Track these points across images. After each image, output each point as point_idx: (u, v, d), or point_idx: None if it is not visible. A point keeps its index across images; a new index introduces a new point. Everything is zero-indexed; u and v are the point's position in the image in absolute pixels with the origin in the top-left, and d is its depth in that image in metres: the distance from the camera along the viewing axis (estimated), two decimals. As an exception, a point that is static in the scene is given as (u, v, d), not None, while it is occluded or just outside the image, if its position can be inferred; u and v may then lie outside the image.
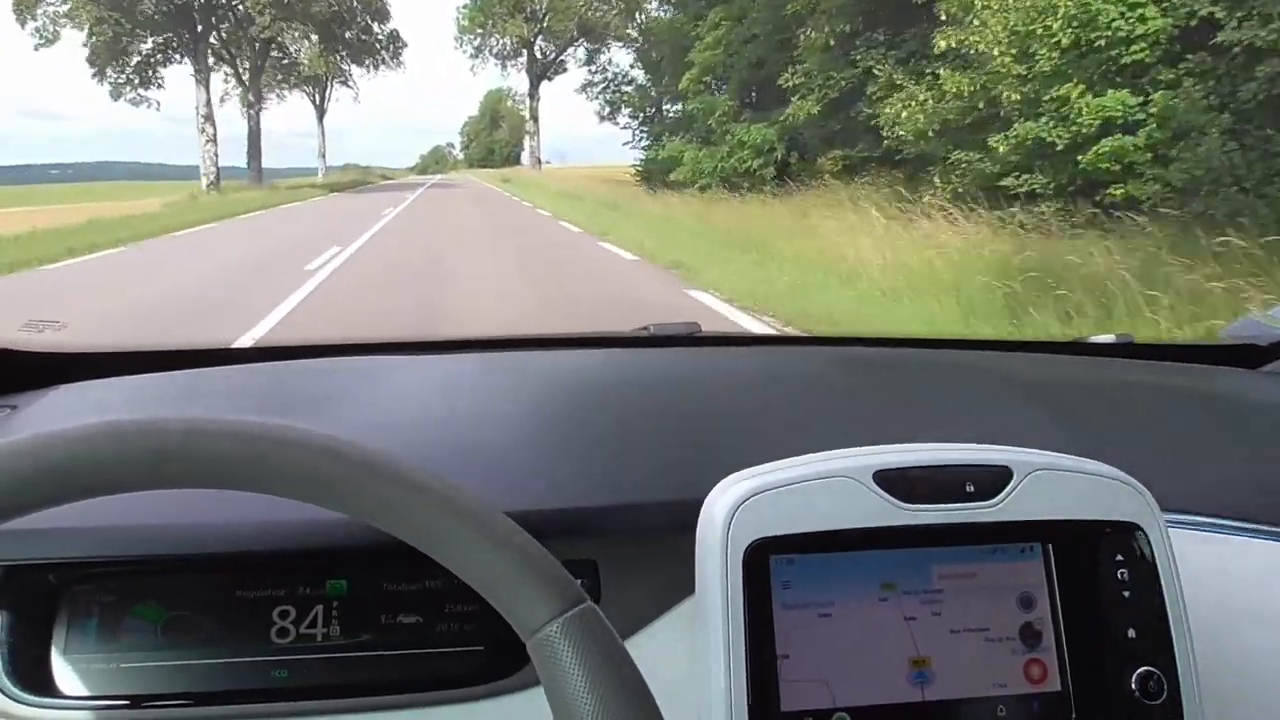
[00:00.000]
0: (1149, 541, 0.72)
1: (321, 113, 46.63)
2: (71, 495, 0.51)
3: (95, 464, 0.50)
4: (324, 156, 47.88)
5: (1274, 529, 0.87)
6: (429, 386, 1.15)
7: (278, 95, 42.59)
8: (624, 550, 0.79)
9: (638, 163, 27.02)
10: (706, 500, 0.71)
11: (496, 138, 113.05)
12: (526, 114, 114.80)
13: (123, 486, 0.51)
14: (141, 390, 1.08)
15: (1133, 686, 0.70)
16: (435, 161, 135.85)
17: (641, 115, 28.82)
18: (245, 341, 2.89)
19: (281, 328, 6.87)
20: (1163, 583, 0.71)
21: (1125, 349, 1.38)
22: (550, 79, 47.39)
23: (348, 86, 47.45)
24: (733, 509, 0.68)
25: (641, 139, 27.35)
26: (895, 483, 0.70)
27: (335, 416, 1.00)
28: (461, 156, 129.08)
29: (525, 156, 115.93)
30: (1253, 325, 1.40)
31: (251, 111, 31.84)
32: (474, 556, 0.53)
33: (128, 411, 0.55)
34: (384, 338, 1.34)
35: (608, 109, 33.57)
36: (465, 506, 0.54)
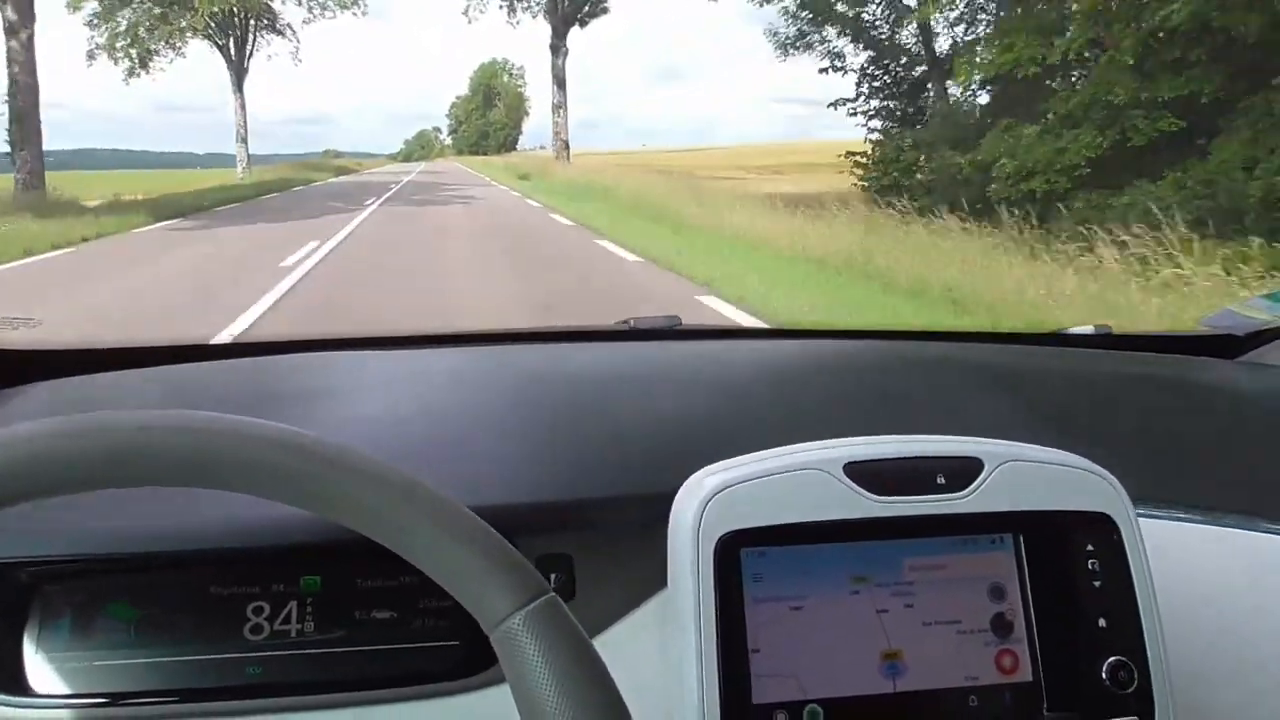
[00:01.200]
0: (1119, 532, 0.73)
1: (240, 72, 32.66)
2: (18, 497, 0.50)
3: (44, 463, 0.50)
4: (245, 140, 32.22)
5: (1246, 519, 0.88)
6: (407, 382, 1.16)
7: (170, 47, 28.20)
8: (599, 544, 0.80)
9: (864, 157, 16.47)
10: (679, 493, 0.72)
11: (491, 119, 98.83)
12: (527, 88, 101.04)
13: (75, 486, 0.50)
14: (118, 387, 1.09)
15: (1104, 676, 0.71)
16: (421, 147, 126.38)
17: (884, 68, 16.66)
18: (226, 338, 2.12)
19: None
20: (1133, 573, 0.72)
21: (1103, 340, 1.42)
22: (584, 23, 33.13)
23: (279, 34, 33.15)
24: (704, 502, 0.69)
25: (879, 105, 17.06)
26: (866, 475, 0.71)
27: (311, 412, 1.00)
28: (450, 142, 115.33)
29: (525, 140, 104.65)
30: (1230, 316, 1.43)
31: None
32: (436, 550, 0.53)
33: (99, 408, 0.55)
34: (363, 333, 1.40)
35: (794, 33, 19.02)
36: (426, 499, 0.54)
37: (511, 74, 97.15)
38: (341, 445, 0.54)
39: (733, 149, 64.10)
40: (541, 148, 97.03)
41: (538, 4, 34.01)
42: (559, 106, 34.57)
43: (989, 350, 1.39)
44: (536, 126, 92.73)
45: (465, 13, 35.66)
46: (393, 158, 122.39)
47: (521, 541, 0.68)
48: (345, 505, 0.53)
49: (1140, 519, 0.74)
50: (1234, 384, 1.24)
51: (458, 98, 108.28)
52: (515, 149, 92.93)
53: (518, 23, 39.23)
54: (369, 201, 19.88)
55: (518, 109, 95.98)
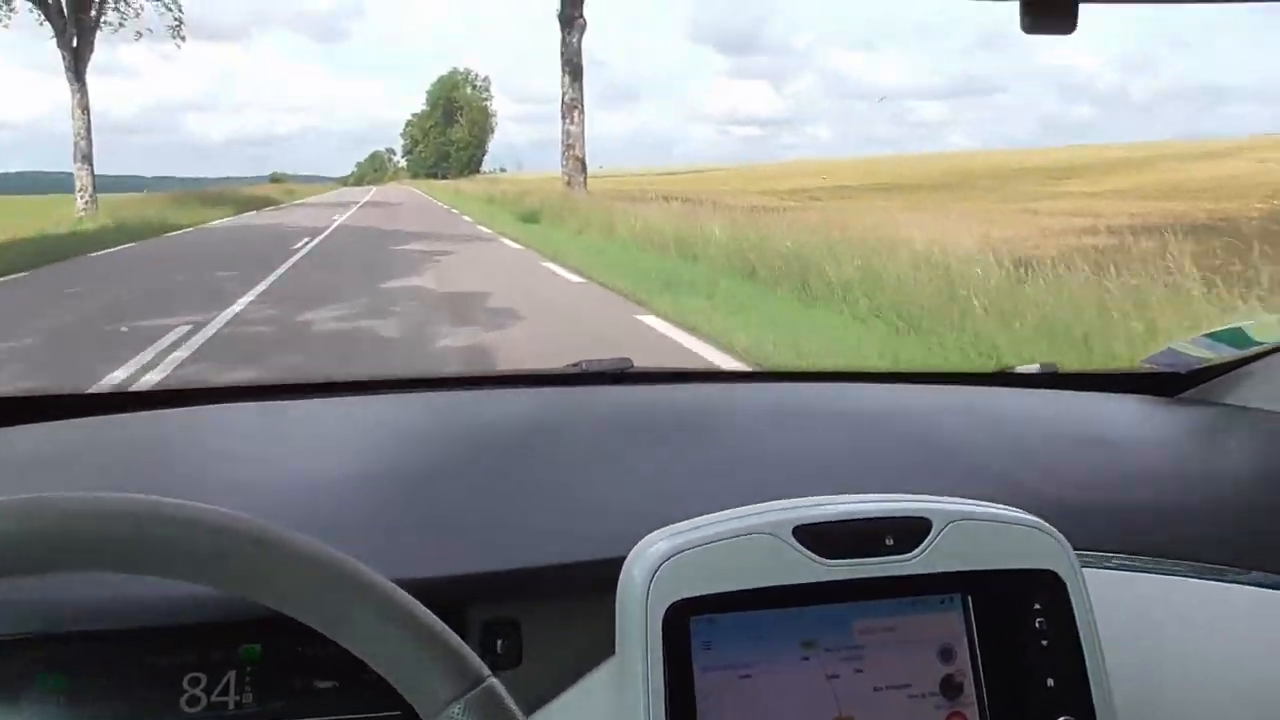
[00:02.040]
0: (1066, 590, 0.74)
1: (78, 65, 20.91)
2: None
3: None
4: (89, 160, 21.84)
5: (1192, 564, 0.90)
6: (334, 436, 1.12)
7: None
8: (547, 609, 0.79)
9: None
10: (626, 560, 0.71)
11: (452, 137, 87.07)
12: (493, 101, 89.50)
13: None
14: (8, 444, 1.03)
15: None
16: (374, 170, 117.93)
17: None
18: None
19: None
20: (1080, 630, 0.73)
21: (1049, 379, 1.43)
22: None
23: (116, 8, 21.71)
24: (652, 570, 0.69)
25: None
26: (814, 538, 0.71)
27: (223, 474, 0.96)
28: (404, 164, 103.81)
29: (488, 160, 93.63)
30: (1172, 354, 1.44)
31: None
32: (370, 636, 0.52)
33: None
34: (287, 379, 1.30)
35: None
36: (356, 581, 0.52)
37: (475, 86, 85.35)
38: (261, 523, 0.52)
39: (707, 170, 59.96)
40: (502, 170, 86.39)
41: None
42: (573, 106, 23.00)
43: (937, 392, 1.42)
44: (500, 145, 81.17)
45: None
46: (343, 181, 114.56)
47: (466, 609, 0.73)
48: (270, 589, 0.51)
49: (1086, 569, 0.75)
50: (1177, 423, 1.28)
51: (413, 115, 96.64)
52: (479, 170, 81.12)
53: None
54: (235, 288, 9.65)
55: (482, 125, 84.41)
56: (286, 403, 1.21)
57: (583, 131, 24.13)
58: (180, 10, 25.22)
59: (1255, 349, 1.32)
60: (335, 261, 12.57)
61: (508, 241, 15.17)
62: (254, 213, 27.62)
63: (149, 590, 0.69)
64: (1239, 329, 1.47)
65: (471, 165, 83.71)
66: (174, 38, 25.38)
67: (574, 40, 23.26)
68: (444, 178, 77.29)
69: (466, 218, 23.06)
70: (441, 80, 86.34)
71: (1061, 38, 0.65)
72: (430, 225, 19.74)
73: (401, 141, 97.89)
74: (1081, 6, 0.62)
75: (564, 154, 24.33)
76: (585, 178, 24.06)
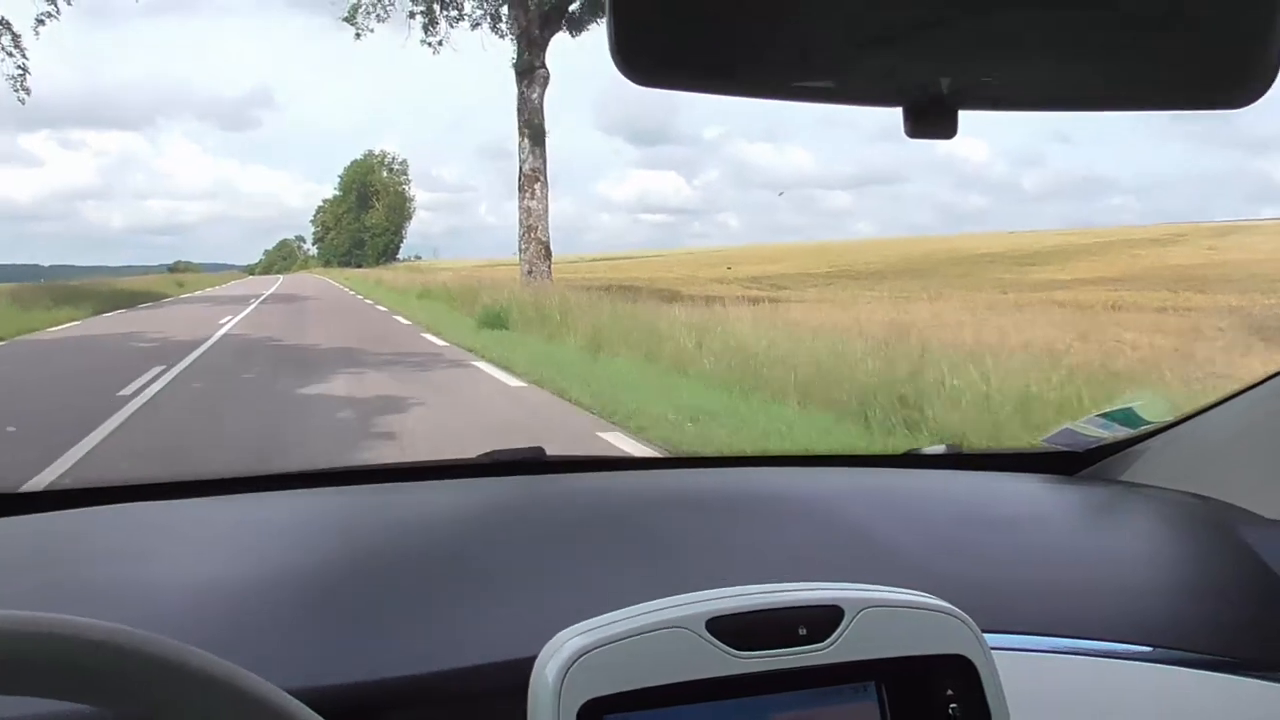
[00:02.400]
0: (977, 674, 0.75)
1: None
2: None
3: None
4: None
5: (1095, 642, 0.92)
6: (230, 537, 1.09)
7: None
8: (459, 714, 0.80)
9: None
10: (538, 659, 0.71)
11: (367, 223, 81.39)
12: (410, 185, 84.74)
13: None
14: None
15: None
16: (283, 258, 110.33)
17: None
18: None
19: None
20: (992, 714, 0.74)
21: (955, 459, 1.49)
22: (577, 25, 16.64)
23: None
24: (564, 668, 0.69)
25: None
26: (728, 631, 0.71)
27: (110, 579, 0.94)
28: (315, 252, 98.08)
29: (404, 247, 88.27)
30: (1069, 434, 1.48)
31: None
32: None
33: None
34: (178, 476, 1.30)
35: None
36: (246, 693, 0.51)
37: (391, 169, 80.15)
38: (155, 639, 0.51)
39: (623, 256, 59.77)
40: (417, 257, 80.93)
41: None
42: (534, 178, 17.88)
43: (846, 474, 1.51)
44: (414, 234, 76.29)
45: (430, 45, 19.35)
46: (250, 270, 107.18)
47: (377, 718, 0.72)
48: (164, 711, 0.49)
49: (996, 652, 0.77)
50: (1075, 501, 1.33)
51: (325, 201, 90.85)
52: (396, 258, 75.42)
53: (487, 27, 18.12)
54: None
55: (400, 210, 79.27)
56: (185, 502, 1.19)
57: (546, 209, 18.91)
58: (25, 58, 19.40)
59: (1145, 428, 1.41)
60: (195, 435, 6.81)
61: (490, 369, 9.64)
62: (120, 313, 21.67)
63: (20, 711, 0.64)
64: (1130, 409, 1.51)
65: (388, 252, 78.06)
66: (16, 90, 19.47)
67: (534, 96, 18.17)
68: (358, 266, 71.58)
69: (402, 318, 17.79)
70: (355, 164, 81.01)
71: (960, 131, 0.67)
72: (359, 332, 14.43)
73: (312, 228, 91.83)
74: (961, 113, 0.65)
75: (523, 236, 19.06)
76: (550, 266, 18.76)
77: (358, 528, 1.13)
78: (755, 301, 13.77)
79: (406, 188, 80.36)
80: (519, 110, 18.91)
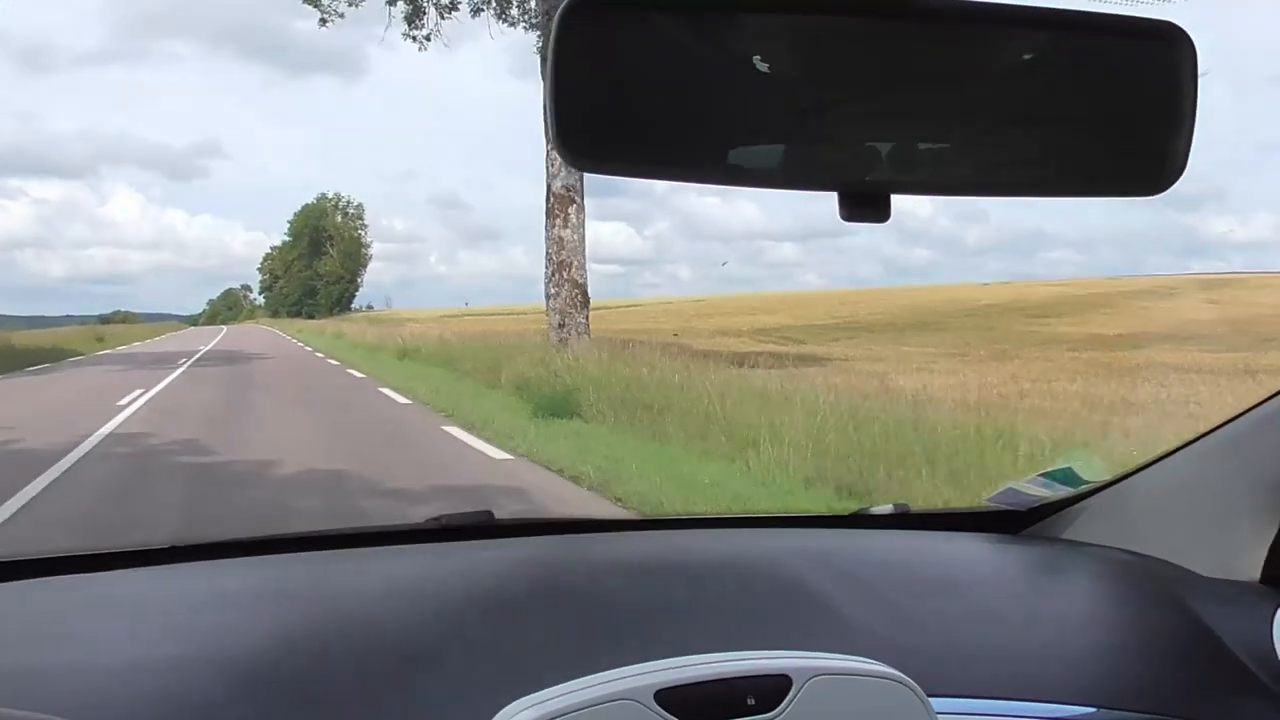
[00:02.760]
0: None
1: None
2: None
3: None
4: None
5: (1039, 704, 0.94)
6: (159, 613, 1.05)
7: None
8: None
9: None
10: None
11: (320, 270, 75.33)
12: (367, 232, 79.00)
13: None
14: None
15: None
16: (228, 308, 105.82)
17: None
18: None
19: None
20: None
21: (901, 519, 1.50)
22: None
23: None
24: None
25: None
26: (677, 702, 0.72)
27: (23, 666, 0.91)
28: (263, 301, 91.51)
29: (361, 296, 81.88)
30: (1013, 494, 1.50)
31: None
32: None
33: None
34: (104, 547, 1.20)
35: None
36: None
37: (346, 213, 74.29)
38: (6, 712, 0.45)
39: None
40: (369, 307, 74.95)
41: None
42: (568, 199, 12.21)
43: (794, 535, 1.50)
44: (368, 283, 70.72)
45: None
46: (193, 320, 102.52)
47: None
48: None
49: (942, 716, 0.78)
50: (1020, 562, 1.35)
51: (272, 249, 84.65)
52: (350, 309, 69.31)
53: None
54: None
55: (355, 257, 73.14)
56: (106, 575, 1.13)
57: (583, 240, 13.49)
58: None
59: (1085, 487, 1.43)
60: None
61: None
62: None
63: None
64: (1069, 469, 1.53)
65: (342, 302, 72.02)
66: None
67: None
68: (310, 316, 65.47)
69: (396, 394, 12.55)
70: (307, 209, 75.15)
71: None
72: (345, 425, 9.38)
73: (259, 276, 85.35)
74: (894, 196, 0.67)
75: (551, 276, 13.69)
76: (588, 318, 13.35)
77: (296, 600, 1.10)
78: (807, 361, 12.68)
79: (362, 233, 74.39)
80: (546, 119, 13.61)
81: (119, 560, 1.17)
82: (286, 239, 78.62)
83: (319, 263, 73.17)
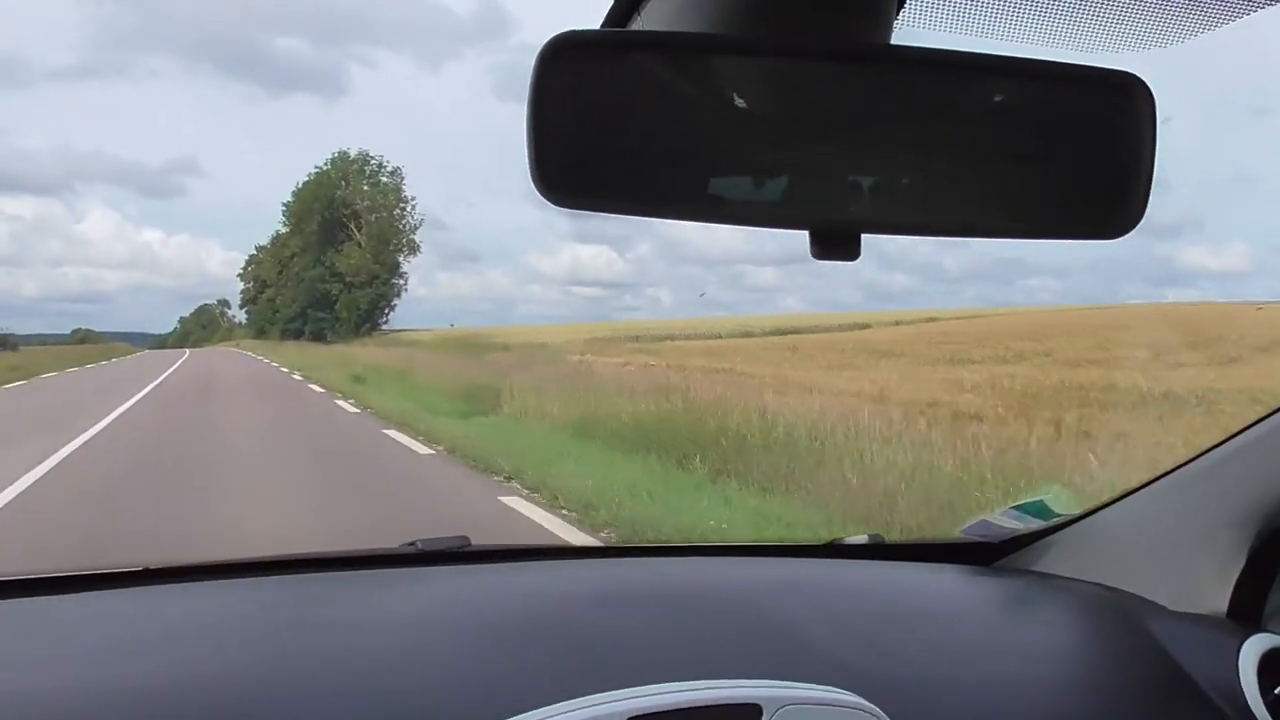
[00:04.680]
0: None
1: None
2: None
3: None
4: None
5: None
6: (131, 637, 1.08)
7: None
8: None
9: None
10: None
11: (340, 266, 49.82)
12: (416, 204, 52.83)
13: None
14: None
15: None
16: (202, 326, 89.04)
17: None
18: None
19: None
20: None
21: (875, 550, 1.63)
22: None
23: None
24: None
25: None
26: None
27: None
28: (245, 318, 79.04)
29: (402, 312, 56.81)
30: (985, 526, 1.61)
31: None
32: None
33: None
34: (72, 570, 1.23)
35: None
36: None
37: (378, 181, 47.58)
38: None
39: (551, 328, 49.05)
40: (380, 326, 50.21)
41: None
42: None
43: (770, 564, 1.57)
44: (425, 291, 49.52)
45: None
46: (161, 341, 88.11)
47: None
48: None
49: None
50: (991, 594, 1.44)
51: (258, 249, 63.89)
52: (381, 328, 43.55)
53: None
54: None
55: (393, 241, 46.12)
56: (75, 597, 1.16)
57: None
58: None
59: (1055, 520, 1.51)
60: None
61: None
62: None
63: None
64: (1041, 501, 1.62)
65: (373, 315, 45.62)
66: None
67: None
68: (319, 338, 40.06)
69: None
70: (318, 179, 52.66)
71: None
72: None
73: (241, 286, 60.54)
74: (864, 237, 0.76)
75: None
76: None
77: (269, 625, 1.14)
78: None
79: (405, 209, 48.06)
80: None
81: (91, 582, 1.19)
82: (281, 229, 53.55)
83: (336, 256, 47.40)
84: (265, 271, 66.78)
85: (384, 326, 51.24)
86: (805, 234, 0.71)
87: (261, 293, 67.76)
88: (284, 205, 60.46)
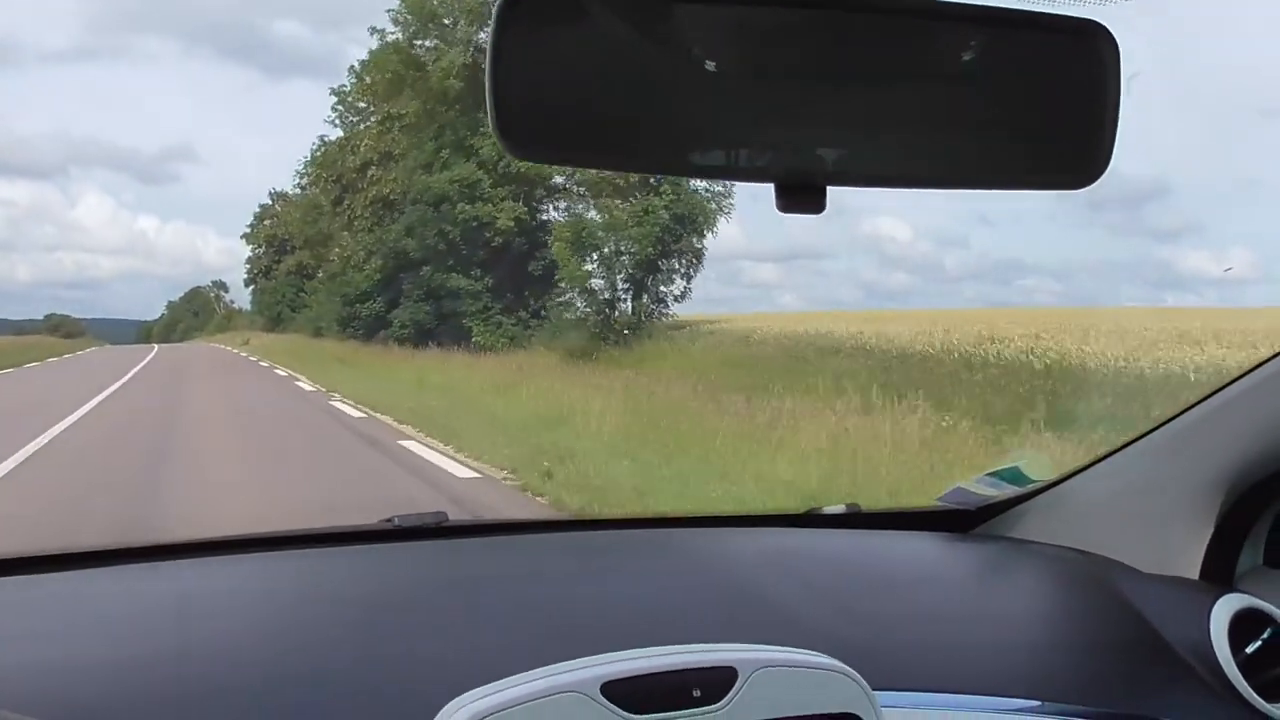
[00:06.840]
0: None
1: None
2: None
3: None
4: None
5: (984, 698, 1.01)
6: (112, 613, 1.14)
7: None
8: None
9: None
10: None
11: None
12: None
13: None
14: None
15: None
16: (192, 314, 75.65)
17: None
18: None
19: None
20: None
21: (852, 519, 1.67)
22: None
23: None
24: None
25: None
26: (623, 694, 0.77)
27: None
28: (250, 301, 47.59)
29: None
30: (961, 493, 1.65)
31: None
32: None
33: None
34: (53, 548, 1.30)
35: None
36: None
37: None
38: None
39: None
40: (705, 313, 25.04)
41: None
42: None
43: (747, 534, 1.61)
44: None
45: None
46: (146, 331, 77.58)
47: None
48: None
49: (886, 708, 0.86)
50: (966, 557, 1.48)
51: (274, 194, 34.50)
52: (660, 317, 16.48)
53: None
54: None
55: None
56: (55, 576, 1.21)
57: None
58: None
59: (1031, 486, 1.55)
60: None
61: None
62: None
63: None
64: (1016, 468, 1.64)
65: (654, 287, 18.52)
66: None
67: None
68: (419, 341, 16.26)
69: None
70: (388, 48, 22.62)
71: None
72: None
73: (248, 252, 37.01)
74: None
75: None
76: None
77: (248, 600, 1.19)
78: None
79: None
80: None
81: (69, 561, 1.25)
82: (300, 187, 28.68)
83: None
84: (292, 229, 39.32)
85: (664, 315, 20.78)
86: (797, 227, 0.95)
87: (278, 261, 40.82)
88: (306, 159, 32.02)
